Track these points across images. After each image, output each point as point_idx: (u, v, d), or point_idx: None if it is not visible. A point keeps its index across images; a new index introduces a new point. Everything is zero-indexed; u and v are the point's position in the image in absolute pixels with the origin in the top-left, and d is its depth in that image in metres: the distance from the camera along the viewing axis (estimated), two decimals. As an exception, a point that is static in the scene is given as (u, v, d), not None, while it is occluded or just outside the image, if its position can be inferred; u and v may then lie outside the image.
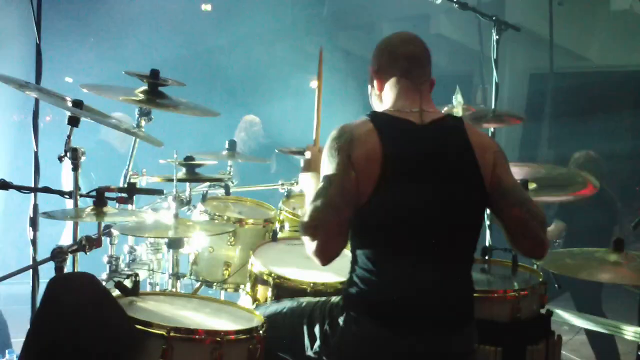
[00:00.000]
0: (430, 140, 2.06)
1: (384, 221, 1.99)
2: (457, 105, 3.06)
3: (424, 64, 2.19)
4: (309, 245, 1.96)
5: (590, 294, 4.60)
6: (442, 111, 3.01)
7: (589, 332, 4.55)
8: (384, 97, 2.21)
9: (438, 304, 2.02)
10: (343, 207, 1.96)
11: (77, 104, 2.49)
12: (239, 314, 2.25)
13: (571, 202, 4.70)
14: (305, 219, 1.96)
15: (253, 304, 2.62)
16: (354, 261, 2.08)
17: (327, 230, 1.94)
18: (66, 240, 2.65)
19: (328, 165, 2.02)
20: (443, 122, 2.12)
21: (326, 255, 1.97)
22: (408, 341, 1.97)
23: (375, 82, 2.23)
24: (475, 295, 2.17)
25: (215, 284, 3.24)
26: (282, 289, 2.52)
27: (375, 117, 2.09)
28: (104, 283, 2.45)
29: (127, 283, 2.31)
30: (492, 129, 3.39)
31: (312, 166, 2.33)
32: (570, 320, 3.62)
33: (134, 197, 2.84)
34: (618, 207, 4.93)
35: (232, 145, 3.68)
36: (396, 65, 2.17)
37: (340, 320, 2.06)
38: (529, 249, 2.10)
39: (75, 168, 2.47)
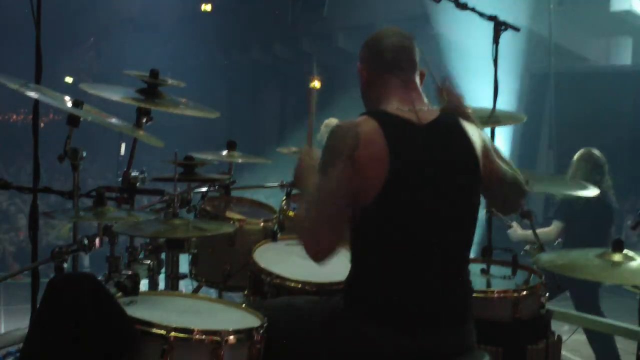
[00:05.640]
0: (433, 141, 2.06)
1: (391, 223, 1.99)
2: None
3: (411, 56, 2.15)
4: (305, 243, 1.99)
5: (589, 294, 4.60)
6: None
7: (588, 332, 4.55)
8: (373, 94, 2.16)
9: (437, 304, 2.03)
10: (339, 207, 1.96)
11: (77, 103, 2.49)
12: (239, 314, 2.25)
13: (571, 202, 4.70)
14: (302, 219, 2.00)
15: (253, 304, 2.62)
16: (356, 261, 2.08)
17: (323, 228, 1.96)
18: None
19: (327, 164, 1.99)
20: (441, 120, 2.11)
21: (320, 255, 1.99)
22: (407, 340, 1.98)
23: (361, 77, 2.19)
24: (475, 295, 2.18)
25: (215, 284, 3.24)
26: (282, 289, 2.52)
27: (377, 115, 2.05)
28: (103, 283, 2.45)
29: (127, 283, 2.31)
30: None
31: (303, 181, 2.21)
32: (570, 320, 3.62)
33: (134, 197, 2.85)
34: (616, 208, 4.93)
35: (232, 145, 3.68)
36: (382, 59, 2.13)
37: (341, 319, 2.06)
38: (506, 209, 2.56)
39: (75, 168, 2.47)
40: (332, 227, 1.97)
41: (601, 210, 4.76)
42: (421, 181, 2.01)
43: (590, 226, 4.68)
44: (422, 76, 2.19)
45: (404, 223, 2.00)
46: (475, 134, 2.14)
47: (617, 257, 2.36)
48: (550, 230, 4.84)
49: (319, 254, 1.99)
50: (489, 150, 2.17)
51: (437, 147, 2.06)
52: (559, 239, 4.85)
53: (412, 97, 2.11)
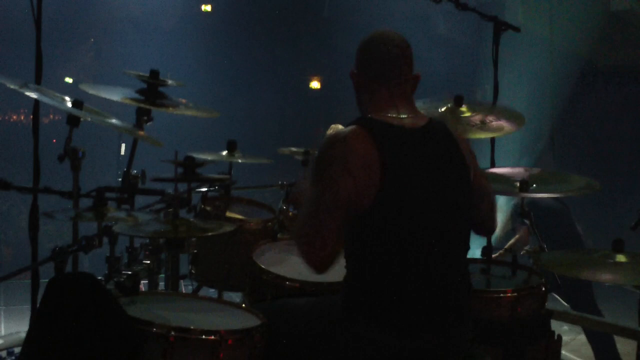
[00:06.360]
0: (425, 144, 2.08)
1: (387, 227, 1.99)
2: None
3: (400, 65, 2.15)
4: (303, 256, 2.00)
5: (583, 293, 4.59)
6: (442, 110, 3.05)
7: (587, 331, 4.55)
8: (363, 100, 2.20)
9: (437, 304, 2.03)
10: (335, 218, 1.96)
11: (77, 104, 2.49)
12: (239, 314, 2.25)
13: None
14: (298, 231, 2.01)
15: (253, 304, 2.62)
16: (354, 263, 2.08)
17: (321, 240, 1.96)
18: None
19: (321, 176, 2.00)
20: (431, 126, 2.13)
21: (319, 266, 2.00)
22: (406, 340, 1.99)
23: (352, 81, 2.22)
24: (475, 295, 2.19)
25: (215, 284, 3.24)
26: (282, 289, 2.52)
27: (365, 123, 2.06)
28: (103, 283, 2.45)
29: (127, 283, 2.31)
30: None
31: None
32: (570, 320, 3.62)
33: (134, 197, 2.85)
34: (568, 210, 4.87)
35: (232, 145, 3.68)
36: (370, 69, 2.16)
37: (340, 320, 2.06)
38: (482, 227, 2.33)
39: (75, 168, 2.47)
40: (329, 234, 1.97)
41: (554, 209, 4.72)
42: (419, 183, 2.02)
43: (548, 226, 4.62)
44: (416, 80, 2.20)
45: (402, 226, 2.00)
46: (464, 142, 2.17)
47: (617, 257, 2.36)
48: (522, 236, 4.82)
49: (318, 264, 2.00)
50: (475, 162, 2.21)
51: (429, 151, 2.07)
52: (529, 245, 4.80)
53: (397, 106, 2.12)
